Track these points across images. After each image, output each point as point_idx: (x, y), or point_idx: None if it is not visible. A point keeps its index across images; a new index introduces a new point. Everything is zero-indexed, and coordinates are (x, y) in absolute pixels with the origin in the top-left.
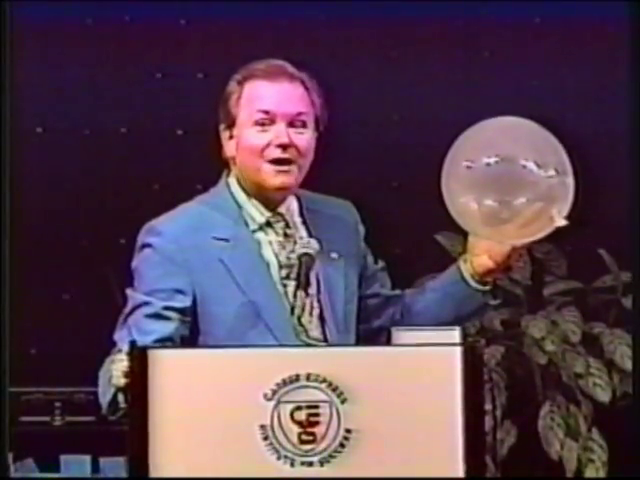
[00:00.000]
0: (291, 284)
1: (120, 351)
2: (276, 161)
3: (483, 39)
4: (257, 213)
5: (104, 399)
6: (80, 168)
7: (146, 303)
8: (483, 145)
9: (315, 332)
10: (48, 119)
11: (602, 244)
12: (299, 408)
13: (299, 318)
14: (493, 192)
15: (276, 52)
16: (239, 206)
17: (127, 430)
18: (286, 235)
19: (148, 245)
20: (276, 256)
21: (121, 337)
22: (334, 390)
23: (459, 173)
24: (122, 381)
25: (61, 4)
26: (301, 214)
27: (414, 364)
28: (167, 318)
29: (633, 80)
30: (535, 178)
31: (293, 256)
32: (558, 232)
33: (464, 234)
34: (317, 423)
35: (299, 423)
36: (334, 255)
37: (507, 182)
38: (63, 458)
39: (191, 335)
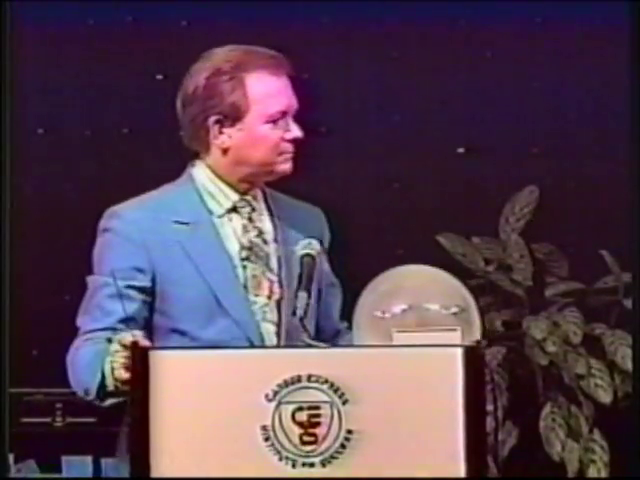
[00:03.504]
0: (250, 265)
1: (110, 341)
2: (286, 153)
3: (485, 39)
4: (224, 198)
5: (89, 385)
6: (81, 169)
7: (107, 284)
8: (393, 294)
9: (270, 315)
10: (49, 120)
11: (604, 245)
12: (300, 409)
13: (301, 319)
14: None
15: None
16: (202, 194)
17: (129, 431)
18: (250, 219)
19: (108, 229)
20: (238, 239)
21: (84, 321)
22: (335, 391)
23: (371, 322)
24: (124, 374)
25: (63, 5)
26: (266, 203)
27: (415, 365)
28: (129, 297)
29: (634, 80)
30: (440, 318)
31: (256, 240)
32: (559, 233)
33: (466, 235)
34: (318, 424)
35: (300, 424)
36: (298, 248)
37: (415, 328)
38: (64, 459)
39: (150, 315)
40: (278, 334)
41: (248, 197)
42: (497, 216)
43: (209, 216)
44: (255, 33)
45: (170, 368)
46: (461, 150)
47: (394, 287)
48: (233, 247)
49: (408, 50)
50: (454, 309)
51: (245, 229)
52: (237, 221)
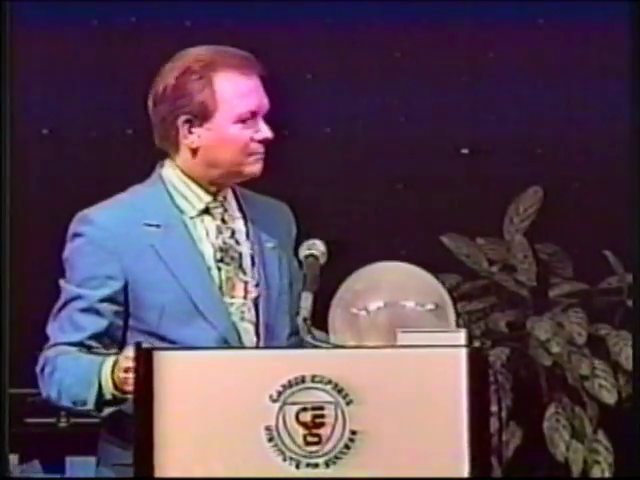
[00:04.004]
0: (224, 268)
1: (89, 349)
2: (256, 154)
3: (489, 40)
4: (196, 199)
5: (81, 396)
6: (86, 169)
7: (79, 296)
8: (369, 292)
9: (248, 314)
10: (54, 121)
11: (607, 246)
12: (304, 409)
13: (305, 320)
14: (379, 336)
15: (281, 54)
16: (172, 195)
17: (133, 431)
18: (224, 221)
19: (79, 234)
20: (211, 241)
21: (54, 331)
22: (339, 391)
23: (348, 318)
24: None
25: (67, 5)
26: (238, 203)
27: (419, 366)
28: (101, 312)
29: (638, 80)
30: (416, 315)
31: (230, 241)
32: (564, 234)
33: (470, 235)
34: (322, 424)
35: (304, 424)
36: (270, 244)
37: (392, 325)
38: (69, 460)
39: (125, 323)
40: (257, 333)
41: (220, 198)
42: (501, 217)
43: (181, 217)
44: (259, 34)
45: (174, 369)
46: (465, 151)
47: (370, 284)
48: (207, 249)
49: (412, 51)
50: (430, 306)
51: (219, 230)
52: (210, 223)
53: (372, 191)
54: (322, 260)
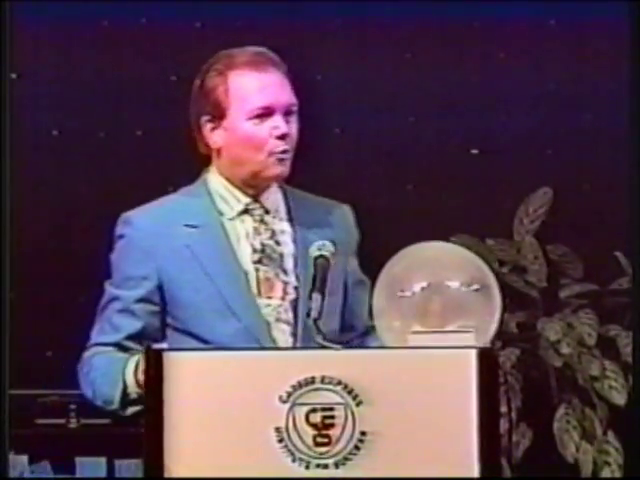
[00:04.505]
0: (262, 268)
1: (123, 349)
2: (276, 152)
3: (499, 40)
4: (235, 201)
5: (110, 396)
6: (95, 171)
7: (116, 298)
8: (412, 273)
9: (285, 315)
10: (64, 122)
11: (618, 246)
12: (314, 410)
13: (315, 321)
14: (424, 317)
15: (291, 55)
16: (213, 196)
17: (143, 432)
18: (263, 222)
19: (120, 236)
20: (250, 241)
21: (94, 331)
22: (349, 392)
23: (392, 300)
24: None
25: (78, 6)
26: (286, 205)
27: (429, 367)
28: (136, 313)
29: None
30: (462, 295)
31: (269, 242)
32: (574, 235)
33: (480, 236)
34: (332, 425)
35: (314, 425)
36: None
37: (437, 306)
38: (78, 460)
39: (163, 323)
40: (294, 334)
41: (261, 198)
42: (511, 217)
43: (219, 219)
44: (268, 34)
45: (184, 370)
46: (475, 151)
47: (414, 265)
48: (245, 250)
49: (422, 51)
50: (475, 286)
51: (257, 231)
52: (249, 224)
53: (382, 192)
54: (332, 261)
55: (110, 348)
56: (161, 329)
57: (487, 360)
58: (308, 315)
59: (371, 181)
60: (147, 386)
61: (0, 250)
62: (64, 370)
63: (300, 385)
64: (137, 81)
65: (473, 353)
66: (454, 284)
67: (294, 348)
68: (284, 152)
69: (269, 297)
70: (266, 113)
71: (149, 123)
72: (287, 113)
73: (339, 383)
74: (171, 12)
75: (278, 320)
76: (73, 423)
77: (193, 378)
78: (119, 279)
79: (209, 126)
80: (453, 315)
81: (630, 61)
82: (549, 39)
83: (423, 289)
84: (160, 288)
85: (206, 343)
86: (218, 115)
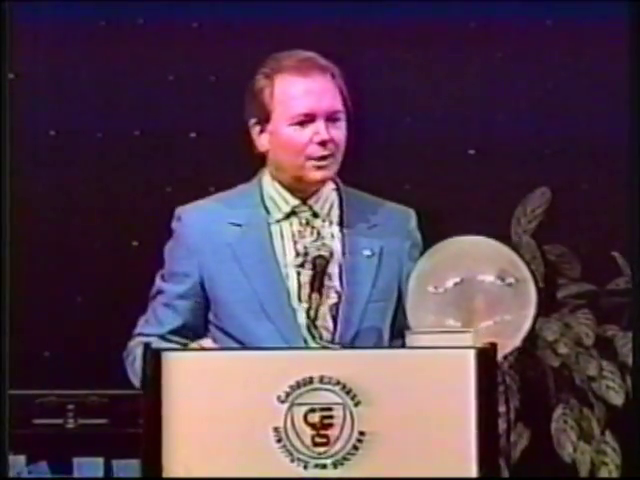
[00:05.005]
0: (305, 273)
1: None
2: (317, 158)
3: (496, 41)
4: (283, 202)
5: None
6: (93, 171)
7: (162, 291)
8: (446, 268)
9: (322, 320)
10: (61, 122)
11: (615, 247)
12: (313, 410)
13: (313, 321)
14: (458, 312)
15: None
16: (264, 196)
17: (141, 432)
18: (309, 225)
19: (172, 231)
20: (294, 244)
21: (141, 321)
22: (348, 392)
23: (426, 296)
24: None
25: (75, 6)
26: (340, 208)
27: (428, 367)
28: (178, 309)
29: None
30: (496, 290)
31: (312, 246)
32: (571, 235)
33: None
34: (330, 425)
35: (312, 425)
36: (367, 252)
37: (470, 301)
38: (76, 460)
39: (205, 318)
40: (332, 340)
41: (310, 201)
42: (509, 218)
43: (266, 219)
44: (265, 35)
45: (182, 369)
46: (472, 152)
47: (446, 260)
48: (289, 252)
49: (419, 52)
50: (510, 280)
51: (301, 234)
52: (296, 226)
53: (379, 192)
54: (331, 261)
55: (154, 339)
56: (203, 326)
57: (485, 360)
58: (307, 315)
59: (367, 181)
60: (145, 386)
61: None
62: (62, 370)
63: (299, 385)
64: (134, 81)
65: (471, 353)
66: (488, 278)
67: (293, 348)
68: (323, 158)
69: (313, 318)
70: (308, 119)
71: (147, 123)
72: (330, 119)
73: (338, 383)
74: (168, 13)
75: (322, 341)
76: (71, 423)
77: (191, 378)
78: (166, 273)
79: (257, 129)
80: (488, 310)
81: (628, 61)
82: (546, 39)
83: (456, 284)
84: (202, 285)
85: (240, 343)
86: (264, 118)
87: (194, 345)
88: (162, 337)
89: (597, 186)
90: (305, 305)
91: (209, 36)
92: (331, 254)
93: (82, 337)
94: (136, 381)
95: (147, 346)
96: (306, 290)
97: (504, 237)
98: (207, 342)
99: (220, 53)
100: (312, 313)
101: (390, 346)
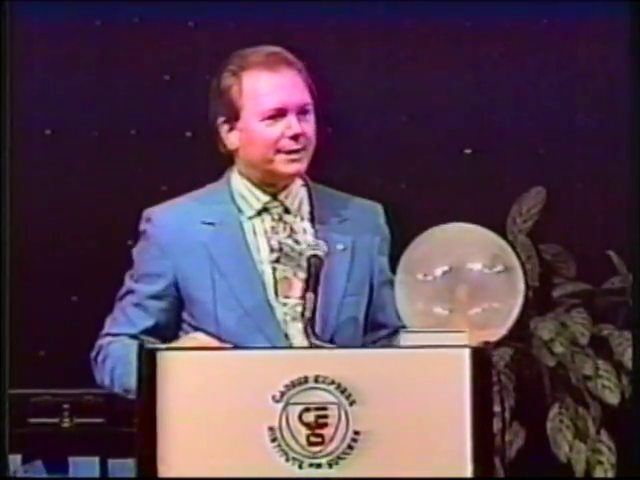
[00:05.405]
0: (280, 267)
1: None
2: (290, 152)
3: (492, 40)
4: (254, 199)
5: (130, 384)
6: (88, 170)
7: (133, 291)
8: (435, 256)
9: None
10: (57, 121)
11: (611, 246)
12: (307, 410)
13: (308, 320)
14: (448, 300)
15: None
16: (234, 195)
17: (136, 432)
18: (282, 220)
19: (142, 232)
20: (268, 240)
21: (108, 321)
22: (342, 392)
23: (415, 285)
24: None
25: (71, 5)
26: (310, 204)
27: (423, 366)
28: (149, 310)
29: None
30: (485, 278)
31: (287, 241)
32: (567, 234)
33: None
34: (325, 425)
35: (307, 425)
36: (340, 246)
37: (459, 289)
38: (72, 460)
39: (178, 318)
40: (312, 333)
41: (281, 197)
42: (504, 217)
43: (238, 217)
44: (262, 34)
45: (177, 369)
46: (468, 151)
47: (434, 248)
48: (263, 248)
49: (414, 50)
50: (499, 268)
51: (274, 230)
52: (268, 222)
53: (375, 191)
54: (326, 260)
55: (124, 337)
56: (175, 326)
57: (480, 359)
58: (302, 315)
59: (363, 180)
60: (140, 385)
61: None
62: (57, 369)
63: (293, 384)
64: (130, 80)
65: (466, 352)
66: (476, 266)
67: (288, 347)
68: (296, 151)
69: (287, 297)
70: (279, 114)
71: (143, 122)
72: (301, 112)
73: (332, 382)
74: (164, 12)
75: (294, 319)
76: (66, 422)
77: (186, 377)
78: (137, 274)
79: (225, 127)
80: (476, 298)
81: (625, 61)
82: (541, 38)
83: (445, 272)
84: (176, 285)
85: (219, 341)
86: (233, 116)
87: (188, 337)
88: (134, 337)
89: (592, 185)
90: (293, 301)
91: (205, 35)
92: (326, 253)
93: (77, 336)
94: (107, 381)
95: (142, 346)
96: (283, 285)
97: (499, 236)
98: (201, 335)
99: (216, 52)
100: (307, 313)
101: (385, 345)
